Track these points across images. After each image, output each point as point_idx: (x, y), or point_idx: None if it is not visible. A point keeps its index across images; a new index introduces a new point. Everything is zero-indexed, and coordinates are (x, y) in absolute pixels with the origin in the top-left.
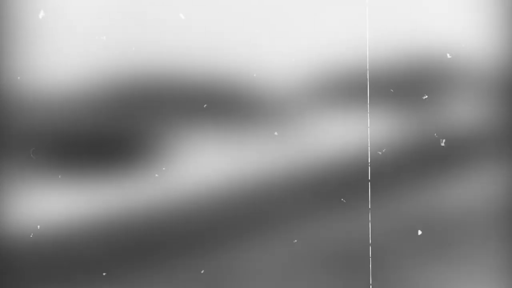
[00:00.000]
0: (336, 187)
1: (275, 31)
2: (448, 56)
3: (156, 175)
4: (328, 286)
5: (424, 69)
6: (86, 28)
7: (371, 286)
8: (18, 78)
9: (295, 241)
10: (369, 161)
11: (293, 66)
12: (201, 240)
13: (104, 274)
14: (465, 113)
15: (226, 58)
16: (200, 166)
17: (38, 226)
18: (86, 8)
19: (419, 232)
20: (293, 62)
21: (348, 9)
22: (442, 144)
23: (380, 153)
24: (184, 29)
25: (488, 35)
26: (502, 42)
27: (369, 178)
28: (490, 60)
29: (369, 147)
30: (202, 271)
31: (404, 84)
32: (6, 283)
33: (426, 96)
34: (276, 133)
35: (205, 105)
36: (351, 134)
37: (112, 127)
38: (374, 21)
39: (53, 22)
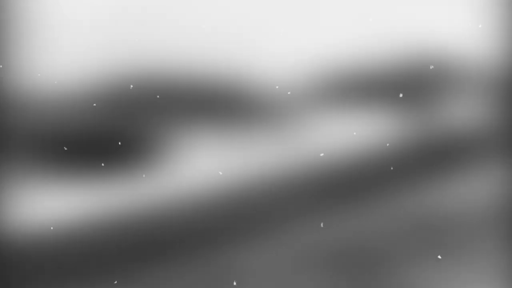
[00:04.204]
0: (336, 187)
1: (274, 31)
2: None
3: (144, 175)
4: (328, 286)
5: (423, 69)
6: (86, 27)
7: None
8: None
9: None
10: (368, 161)
11: (292, 66)
12: (201, 240)
13: (104, 273)
14: (465, 113)
15: (226, 58)
16: (200, 166)
17: (38, 226)
18: (87, 8)
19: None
20: (293, 62)
21: (348, 9)
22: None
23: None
24: (184, 30)
25: (488, 35)
26: (503, 42)
27: (369, 178)
28: (490, 60)
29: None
30: (203, 272)
31: (404, 84)
32: (5, 283)
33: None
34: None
35: (204, 105)
36: (351, 134)
37: (112, 127)
38: (374, 21)
39: (53, 22)
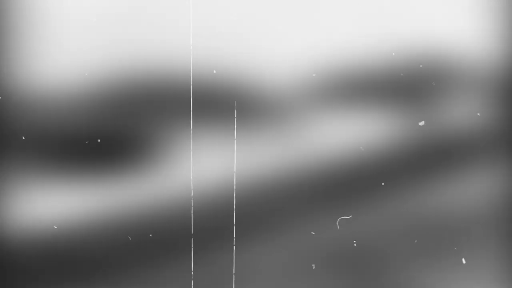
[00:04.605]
0: (336, 187)
1: (274, 31)
2: (446, 54)
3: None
4: (328, 286)
5: (423, 69)
6: (87, 28)
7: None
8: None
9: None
10: (365, 162)
11: (292, 66)
12: (201, 240)
13: (103, 274)
14: (465, 113)
15: (226, 58)
16: (200, 166)
17: (38, 226)
18: (87, 9)
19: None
20: (293, 62)
21: (348, 9)
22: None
23: (362, 149)
24: (184, 30)
25: (488, 35)
26: (503, 42)
27: (369, 178)
28: (490, 60)
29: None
30: (202, 271)
31: (404, 84)
32: (4, 283)
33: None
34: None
35: (204, 105)
36: (351, 134)
37: (111, 127)
38: (374, 21)
39: (53, 22)
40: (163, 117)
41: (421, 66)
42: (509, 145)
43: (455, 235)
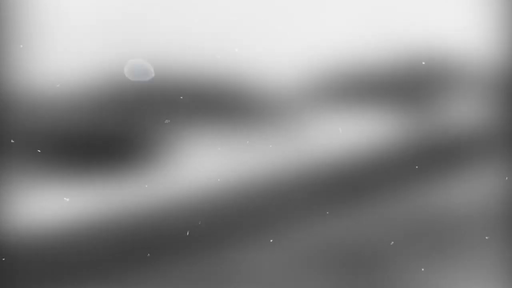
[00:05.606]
0: (336, 187)
1: (275, 31)
2: (447, 55)
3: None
4: (327, 286)
5: (424, 69)
6: (86, 28)
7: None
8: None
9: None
10: (366, 161)
11: (292, 66)
12: (201, 241)
13: (103, 274)
14: (465, 113)
15: (226, 58)
16: (200, 166)
17: (37, 226)
18: (86, 8)
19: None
20: (293, 62)
21: (349, 9)
22: (166, 122)
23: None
24: (184, 30)
25: (488, 35)
26: (503, 42)
27: (369, 179)
28: (490, 60)
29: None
30: (204, 271)
31: (404, 84)
32: (5, 283)
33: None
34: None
35: (205, 105)
36: (351, 134)
37: (111, 127)
38: (374, 21)
39: (53, 22)
40: (162, 117)
41: (421, 65)
42: (509, 145)
43: (455, 235)
